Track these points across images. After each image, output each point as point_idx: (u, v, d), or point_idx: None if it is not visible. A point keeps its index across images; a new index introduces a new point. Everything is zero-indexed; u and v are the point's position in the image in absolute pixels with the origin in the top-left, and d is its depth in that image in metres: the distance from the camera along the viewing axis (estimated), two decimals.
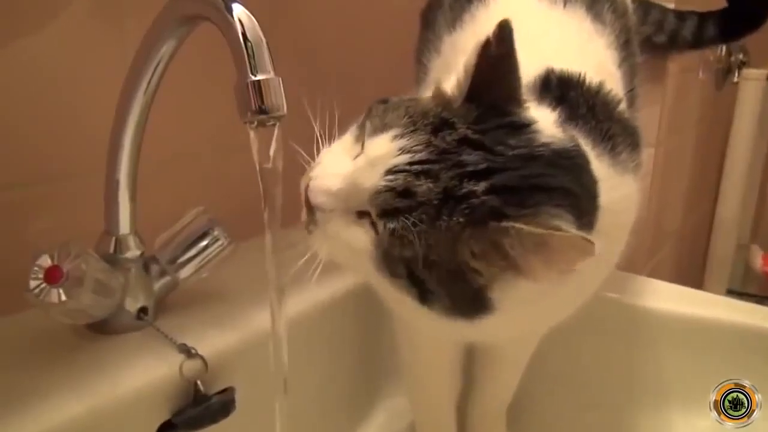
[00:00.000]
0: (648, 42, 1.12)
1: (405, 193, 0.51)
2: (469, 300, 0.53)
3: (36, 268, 0.61)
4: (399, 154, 0.53)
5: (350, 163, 0.56)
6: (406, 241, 0.51)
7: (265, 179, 0.57)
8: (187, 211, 0.76)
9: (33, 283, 0.61)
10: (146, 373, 0.65)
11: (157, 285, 0.74)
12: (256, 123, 0.56)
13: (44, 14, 0.75)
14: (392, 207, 0.52)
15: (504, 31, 0.52)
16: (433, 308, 0.54)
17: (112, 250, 0.70)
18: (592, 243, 0.47)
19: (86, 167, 0.78)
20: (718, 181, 1.95)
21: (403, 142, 0.53)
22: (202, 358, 0.68)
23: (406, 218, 0.51)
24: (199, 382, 0.67)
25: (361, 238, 0.54)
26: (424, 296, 0.54)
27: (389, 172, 0.52)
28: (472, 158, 0.51)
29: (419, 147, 0.53)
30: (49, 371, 0.63)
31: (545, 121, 0.56)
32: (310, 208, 0.56)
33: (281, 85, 0.55)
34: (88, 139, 0.77)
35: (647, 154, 1.18)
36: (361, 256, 0.54)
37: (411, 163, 0.52)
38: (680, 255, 1.73)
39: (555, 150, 0.53)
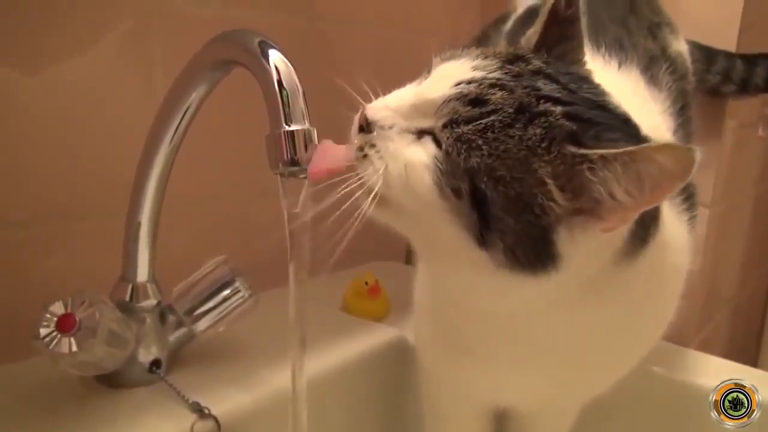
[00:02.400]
0: (715, 90, 1.12)
1: (476, 101, 0.51)
2: (533, 240, 0.50)
3: (48, 315, 0.62)
4: (471, 71, 0.53)
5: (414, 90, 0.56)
6: (474, 145, 0.49)
7: (292, 229, 0.58)
8: (208, 259, 0.77)
9: (43, 331, 0.61)
10: None
11: (173, 337, 0.74)
12: (287, 174, 0.57)
13: (69, 52, 0.77)
14: (461, 115, 0.51)
15: None
16: (493, 250, 0.50)
17: (128, 297, 0.71)
18: (694, 148, 0.45)
19: (102, 207, 0.80)
20: None
21: (475, 63, 0.54)
22: (215, 418, 0.67)
23: (477, 125, 0.50)
24: None
25: (421, 155, 0.52)
26: (485, 229, 0.50)
27: (458, 83, 0.52)
28: (547, 86, 0.52)
29: (493, 67, 0.53)
30: (50, 426, 0.63)
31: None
32: (365, 130, 0.55)
33: (315, 136, 0.56)
34: (104, 178, 0.79)
35: (701, 213, 1.18)
36: (419, 176, 0.51)
37: (483, 78, 0.52)
38: (734, 327, 1.69)
39: (624, 113, 0.54)
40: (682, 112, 0.78)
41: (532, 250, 0.50)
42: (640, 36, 0.80)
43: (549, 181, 0.49)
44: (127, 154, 0.69)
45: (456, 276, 0.58)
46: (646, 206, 0.48)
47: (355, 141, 0.55)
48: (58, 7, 0.75)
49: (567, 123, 0.49)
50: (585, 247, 0.51)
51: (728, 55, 1.12)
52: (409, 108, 0.54)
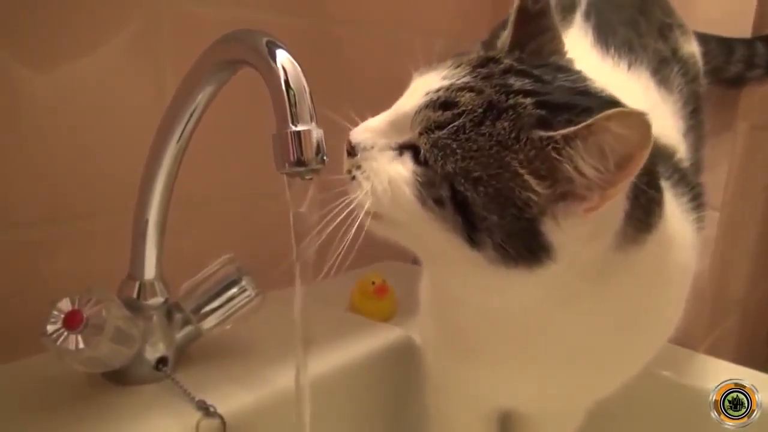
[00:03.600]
0: (739, 78, 1.12)
1: (445, 104, 0.52)
2: (520, 234, 0.50)
3: (55, 312, 0.62)
4: (441, 81, 0.55)
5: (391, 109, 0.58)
6: (448, 150, 0.51)
7: (298, 227, 0.58)
8: (215, 258, 0.77)
9: (51, 328, 0.62)
10: (160, 430, 0.65)
11: (179, 334, 0.75)
12: (293, 174, 0.57)
13: (79, 51, 0.78)
14: (433, 121, 0.52)
15: None
16: (484, 249, 0.51)
17: (135, 295, 0.71)
18: (644, 113, 0.45)
19: (110, 206, 0.81)
20: None
21: (446, 73, 0.55)
22: (220, 417, 0.67)
23: (450, 128, 0.51)
24: None
25: (401, 171, 0.54)
26: (472, 230, 0.51)
27: (428, 93, 0.54)
28: (517, 82, 0.53)
29: (462, 74, 0.55)
30: (57, 422, 0.64)
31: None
32: (352, 154, 0.57)
33: (322, 136, 0.56)
34: (113, 178, 0.79)
35: (711, 216, 1.17)
36: (401, 191, 0.53)
37: (452, 85, 0.54)
38: (744, 331, 1.68)
39: (610, 96, 0.54)
40: (693, 114, 0.77)
41: (521, 244, 0.51)
42: (650, 38, 0.80)
43: (522, 170, 0.50)
44: (136, 154, 0.70)
45: (457, 278, 0.59)
46: (620, 180, 0.48)
47: (344, 167, 0.57)
48: (69, 6, 0.75)
49: (536, 111, 0.50)
50: (575, 233, 0.51)
51: (747, 42, 1.11)
52: (386, 126, 0.56)
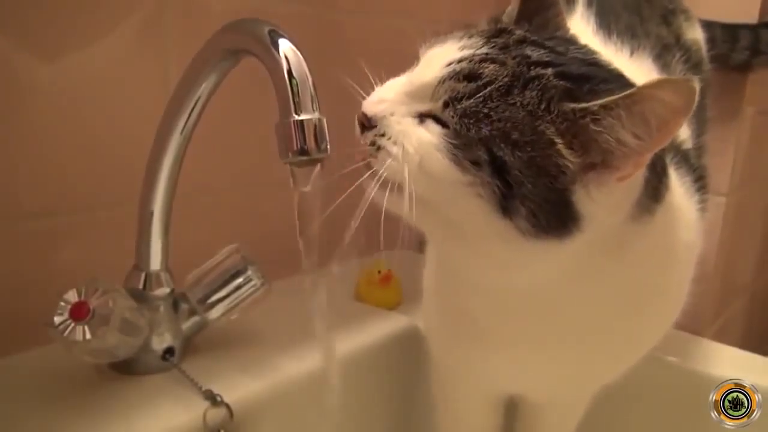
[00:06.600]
0: (746, 65, 1.12)
1: (470, 76, 0.52)
2: (553, 204, 0.50)
3: (62, 303, 0.63)
4: (459, 51, 0.54)
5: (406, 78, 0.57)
6: (481, 116, 0.50)
7: (302, 209, 0.58)
8: (221, 248, 0.77)
9: (57, 319, 0.62)
10: (167, 419, 0.66)
11: (186, 325, 0.75)
12: (296, 164, 0.57)
13: (85, 40, 0.78)
14: (459, 92, 0.51)
15: None
16: (516, 217, 0.50)
17: (141, 286, 0.71)
18: (691, 78, 0.46)
19: (116, 198, 0.81)
20: None
21: (461, 43, 0.55)
22: (227, 406, 0.68)
23: (477, 98, 0.51)
24: None
25: (428, 136, 0.52)
26: (508, 196, 0.50)
27: (449, 63, 0.53)
28: (534, 53, 0.53)
29: (479, 44, 0.54)
30: (65, 412, 0.64)
31: None
32: (367, 127, 0.55)
33: (325, 125, 0.57)
34: (119, 169, 0.79)
35: (717, 202, 1.17)
36: (432, 157, 0.51)
37: (473, 55, 0.53)
38: (751, 317, 1.68)
39: (617, 69, 0.55)
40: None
41: (553, 214, 0.51)
42: (653, 23, 0.80)
43: (557, 140, 0.50)
44: (141, 144, 0.70)
45: (477, 254, 0.57)
46: (656, 147, 0.49)
47: (362, 141, 0.55)
48: None
49: (560, 82, 0.50)
50: (604, 202, 0.51)
51: (752, 28, 1.11)
52: (404, 95, 0.55)
